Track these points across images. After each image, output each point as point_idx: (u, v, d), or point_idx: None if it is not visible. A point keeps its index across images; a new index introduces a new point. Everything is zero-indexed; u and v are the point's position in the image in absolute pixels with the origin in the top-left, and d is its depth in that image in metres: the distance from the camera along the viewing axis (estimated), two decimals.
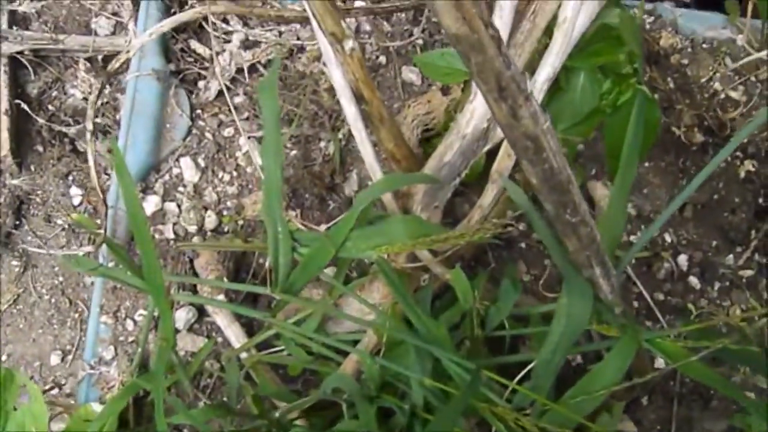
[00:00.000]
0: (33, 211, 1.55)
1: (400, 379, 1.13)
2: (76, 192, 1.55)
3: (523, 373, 1.00)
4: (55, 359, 1.46)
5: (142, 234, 1.07)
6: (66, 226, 1.54)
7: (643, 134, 1.02)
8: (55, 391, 1.43)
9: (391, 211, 1.18)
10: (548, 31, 1.08)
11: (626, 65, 1.07)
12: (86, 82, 1.61)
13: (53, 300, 1.50)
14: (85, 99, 1.61)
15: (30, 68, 1.61)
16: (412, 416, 1.09)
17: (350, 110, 1.12)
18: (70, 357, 1.46)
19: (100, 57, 1.63)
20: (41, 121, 1.57)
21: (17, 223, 1.54)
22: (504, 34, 1.10)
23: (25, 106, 1.56)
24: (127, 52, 1.35)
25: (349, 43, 1.03)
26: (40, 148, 1.58)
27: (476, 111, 1.09)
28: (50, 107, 1.61)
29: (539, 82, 1.09)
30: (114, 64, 1.33)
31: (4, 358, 1.45)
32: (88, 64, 1.63)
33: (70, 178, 1.57)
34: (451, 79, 1.26)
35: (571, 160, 1.40)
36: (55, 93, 1.63)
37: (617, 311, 0.98)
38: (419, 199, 1.18)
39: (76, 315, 1.49)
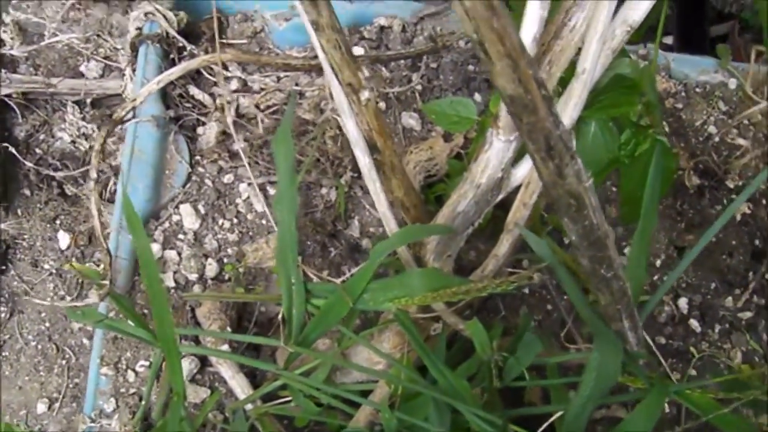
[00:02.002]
0: (20, 256, 1.53)
1: (415, 431, 1.11)
2: (63, 236, 1.53)
3: (545, 425, 0.99)
4: (41, 407, 1.43)
5: (154, 285, 1.05)
6: (53, 271, 1.51)
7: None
8: None
9: (404, 260, 1.16)
10: (560, 81, 1.08)
11: (643, 115, 1.08)
12: (74, 126, 1.59)
13: (40, 346, 1.47)
14: (73, 142, 1.59)
15: (17, 111, 1.58)
16: None
17: (364, 161, 1.10)
18: (57, 405, 1.43)
19: (88, 100, 1.61)
20: (29, 164, 1.55)
21: (3, 267, 1.51)
22: None
23: (12, 149, 1.53)
24: (133, 99, 1.33)
25: (365, 94, 1.02)
26: (28, 192, 1.56)
27: (491, 161, 1.08)
28: (38, 150, 1.59)
29: None
30: (120, 112, 1.31)
31: None
32: (77, 108, 1.61)
33: (58, 221, 1.55)
34: (459, 127, 1.25)
35: None
36: (42, 136, 1.61)
37: (642, 362, 0.98)
38: (432, 248, 1.16)
39: (64, 361, 1.46)
